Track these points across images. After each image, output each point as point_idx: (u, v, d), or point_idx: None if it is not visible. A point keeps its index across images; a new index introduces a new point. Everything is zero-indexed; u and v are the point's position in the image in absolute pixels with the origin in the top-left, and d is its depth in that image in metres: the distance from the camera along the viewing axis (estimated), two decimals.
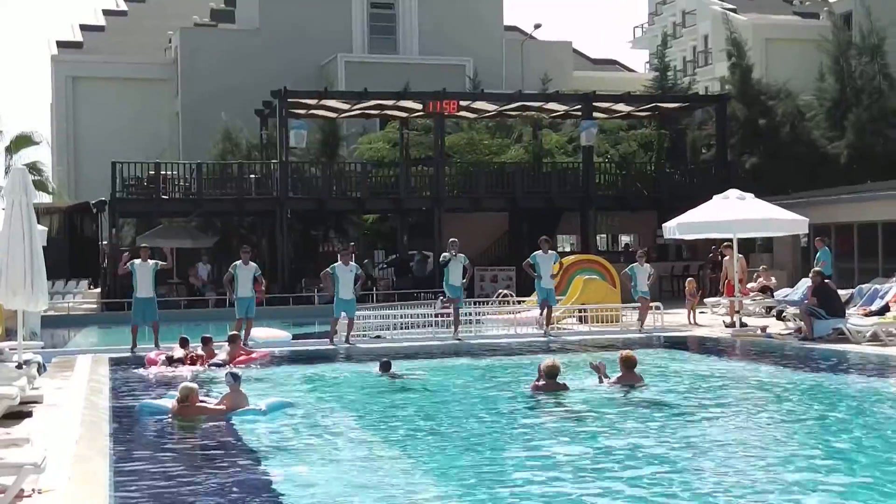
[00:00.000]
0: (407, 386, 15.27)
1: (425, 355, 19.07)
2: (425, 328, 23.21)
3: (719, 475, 9.05)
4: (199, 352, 17.73)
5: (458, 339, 20.94)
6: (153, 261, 20.43)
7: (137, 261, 20.13)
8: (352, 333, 20.58)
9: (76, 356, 18.29)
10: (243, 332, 20.01)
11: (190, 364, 17.38)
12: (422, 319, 23.66)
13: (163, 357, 17.72)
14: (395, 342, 20.97)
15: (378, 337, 21.81)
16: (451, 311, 21.80)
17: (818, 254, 23.91)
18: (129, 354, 19.09)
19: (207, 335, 18.29)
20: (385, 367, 16.11)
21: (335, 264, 20.64)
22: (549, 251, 22.11)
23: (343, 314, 20.42)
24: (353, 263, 20.88)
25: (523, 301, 26.64)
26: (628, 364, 14.02)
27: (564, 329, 22.59)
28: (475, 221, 38.61)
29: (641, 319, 22.30)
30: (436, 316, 23.50)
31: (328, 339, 20.48)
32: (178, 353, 17.76)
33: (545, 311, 21.85)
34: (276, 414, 12.36)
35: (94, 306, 32.83)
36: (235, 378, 12.73)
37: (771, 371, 16.38)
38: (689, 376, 15.94)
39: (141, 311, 19.99)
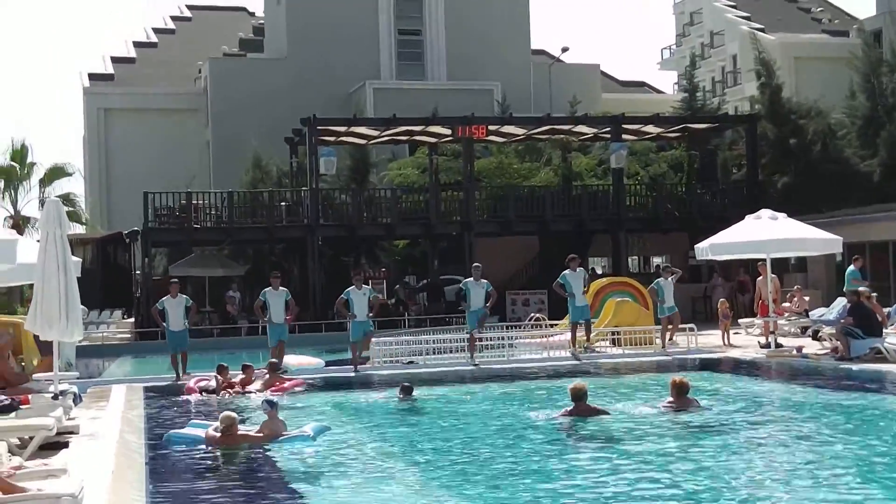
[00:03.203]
0: (438, 411, 15.23)
1: (455, 380, 19.00)
2: (457, 353, 23.14)
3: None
4: (237, 379, 17.83)
5: (475, 365, 20.69)
6: (184, 296, 20.62)
7: (166, 298, 20.31)
8: (383, 360, 20.51)
9: (111, 386, 18.37)
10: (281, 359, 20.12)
11: (226, 390, 17.44)
12: (454, 344, 23.59)
13: (203, 384, 17.82)
14: (428, 367, 20.93)
15: (411, 362, 21.77)
16: (478, 335, 21.60)
17: (847, 272, 23.86)
18: (165, 384, 19.19)
19: (247, 363, 18.45)
20: (407, 392, 16.14)
21: (349, 289, 20.75)
22: (578, 269, 22.00)
23: (362, 338, 20.42)
24: (366, 287, 21.09)
25: (556, 324, 26.52)
26: (681, 390, 13.72)
27: (598, 352, 22.44)
28: (506, 245, 38.55)
29: (672, 333, 22.16)
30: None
31: (352, 367, 20.40)
32: (213, 382, 17.82)
33: (582, 328, 21.72)
34: (319, 439, 12.35)
35: (128, 336, 33.03)
36: (272, 405, 12.75)
37: (813, 392, 16.19)
38: (732, 398, 15.75)
39: (174, 342, 20.13)
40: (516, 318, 30.71)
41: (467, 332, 21.93)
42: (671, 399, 13.76)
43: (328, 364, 22.48)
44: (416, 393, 16.36)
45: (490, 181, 39.30)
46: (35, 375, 16.13)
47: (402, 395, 16.15)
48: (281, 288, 20.96)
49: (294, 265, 37.79)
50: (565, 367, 20.49)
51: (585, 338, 21.82)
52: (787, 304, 25.96)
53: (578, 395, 13.28)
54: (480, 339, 22.04)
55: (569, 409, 13.35)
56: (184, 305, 20.26)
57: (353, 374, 20.12)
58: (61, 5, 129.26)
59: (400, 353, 22.68)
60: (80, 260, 20.24)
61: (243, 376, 17.91)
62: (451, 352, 23.24)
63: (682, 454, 11.02)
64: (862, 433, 12.34)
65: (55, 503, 7.61)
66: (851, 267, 24.08)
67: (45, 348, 16.01)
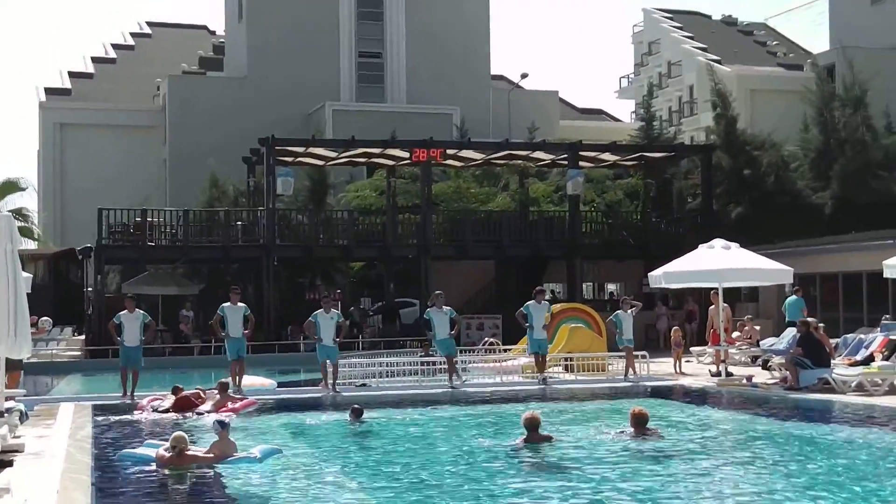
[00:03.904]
0: (390, 435, 15.19)
1: (409, 403, 18.97)
2: (411, 376, 23.13)
3: None
4: (192, 394, 17.73)
5: (452, 388, 20.76)
6: (141, 311, 20.47)
7: (123, 313, 20.14)
8: (337, 381, 20.51)
9: (59, 404, 18.13)
10: (237, 377, 20.04)
11: (179, 410, 17.31)
12: (408, 367, 23.58)
13: (156, 404, 17.69)
14: (381, 390, 20.88)
15: (364, 385, 21.73)
16: (434, 357, 21.65)
17: (786, 301, 24.25)
18: (115, 402, 18.97)
19: (224, 380, 18.53)
20: (357, 414, 16.09)
21: (317, 312, 20.73)
22: (543, 301, 22.13)
23: (327, 361, 20.40)
24: (334, 311, 21.03)
25: (509, 349, 26.57)
26: (640, 420, 13.67)
27: (551, 378, 22.49)
28: (462, 269, 38.63)
29: (629, 367, 22.27)
30: (422, 364, 23.43)
31: (322, 385, 20.42)
32: (167, 401, 17.69)
33: (537, 360, 21.80)
34: (267, 461, 12.28)
35: (79, 353, 32.63)
36: (223, 426, 12.65)
37: (762, 420, 16.32)
38: (682, 426, 15.83)
39: (126, 358, 19.95)
40: (470, 343, 30.69)
41: (427, 353, 21.89)
42: (631, 428, 13.78)
43: (280, 385, 22.34)
44: (366, 416, 16.29)
45: (447, 205, 39.40)
46: None
47: (352, 418, 16.10)
48: (240, 304, 20.89)
49: (249, 285, 37.58)
50: (521, 391, 20.52)
51: (538, 371, 21.82)
52: (737, 334, 26.20)
53: (531, 426, 13.21)
54: (433, 363, 21.98)
55: (522, 438, 13.29)
56: (140, 321, 20.10)
57: (308, 395, 20.12)
58: (19, 18, 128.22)
59: (353, 376, 22.60)
60: (32, 276, 20.07)
61: (221, 394, 17.79)
62: (404, 374, 23.23)
63: (629, 481, 11.06)
64: (808, 461, 12.46)
65: None
66: (793, 297, 24.45)
67: (14, 364, 15.82)
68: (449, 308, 21.42)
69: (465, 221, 37.05)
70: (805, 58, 56.10)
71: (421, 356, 24.41)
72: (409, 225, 37.41)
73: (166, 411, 17.35)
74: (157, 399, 18.07)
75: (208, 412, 17.08)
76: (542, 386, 20.97)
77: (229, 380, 19.25)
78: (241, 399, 18.26)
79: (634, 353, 22.54)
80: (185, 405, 17.53)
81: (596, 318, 26.57)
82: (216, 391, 18.05)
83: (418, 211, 36.90)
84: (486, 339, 29.34)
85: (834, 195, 36.88)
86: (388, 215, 37.30)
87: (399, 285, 39.90)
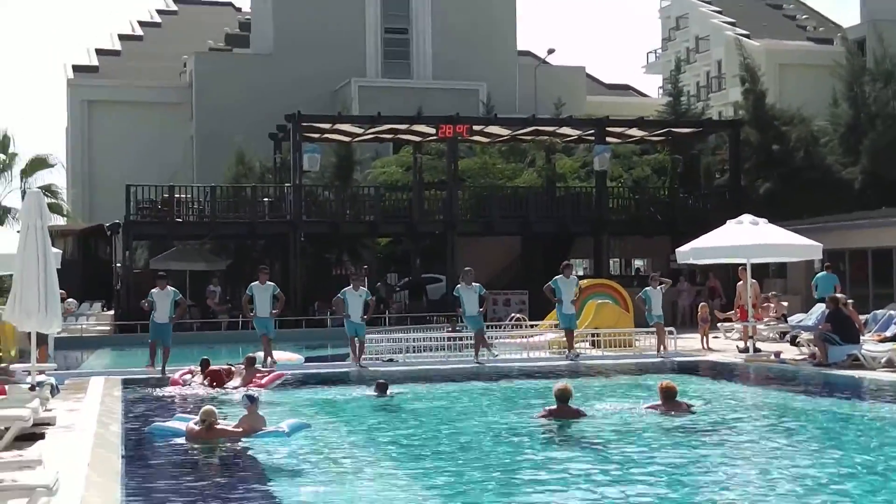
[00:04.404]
0: (418, 410, 15.23)
1: (438, 378, 19.04)
2: (438, 352, 23.18)
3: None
4: (223, 370, 17.84)
5: (478, 363, 20.85)
6: (172, 289, 20.57)
7: (156, 290, 20.28)
8: (363, 357, 20.61)
9: (89, 378, 18.28)
10: (267, 352, 20.21)
11: (211, 384, 17.43)
12: (435, 343, 23.64)
13: (187, 377, 17.82)
14: (408, 365, 20.97)
15: (391, 360, 21.82)
16: (462, 332, 21.76)
17: (815, 277, 24.08)
18: (144, 376, 19.13)
19: (252, 355, 18.57)
20: (382, 389, 16.16)
21: (345, 289, 20.82)
22: (571, 276, 22.14)
23: (355, 337, 20.51)
24: (363, 289, 21.03)
25: (536, 325, 26.57)
26: (668, 394, 13.62)
27: (581, 359, 22.41)
28: (488, 245, 38.60)
29: (660, 343, 22.24)
30: (448, 340, 23.49)
31: (352, 359, 20.57)
32: (198, 376, 17.80)
33: (568, 336, 21.81)
34: (296, 436, 12.33)
35: (108, 328, 32.90)
36: (252, 400, 12.70)
37: (790, 397, 16.24)
38: (710, 401, 15.74)
39: (157, 332, 20.10)
40: (497, 319, 30.73)
41: (453, 329, 21.94)
42: (659, 402, 13.76)
43: (307, 360, 22.46)
44: (391, 390, 16.33)
45: (473, 181, 39.33)
46: (21, 367, 16.03)
47: (377, 392, 16.16)
48: (268, 282, 20.97)
49: (276, 261, 37.69)
50: (546, 367, 20.52)
51: (567, 346, 21.84)
52: (771, 306, 26.14)
53: (563, 397, 13.18)
54: (461, 339, 22.07)
55: (551, 408, 13.30)
56: (172, 298, 20.25)
57: (335, 371, 20.27)
58: None
59: (380, 351, 22.72)
60: (61, 252, 20.19)
61: (249, 369, 17.89)
62: (431, 350, 23.29)
63: (663, 457, 11.01)
64: (838, 439, 12.38)
65: (29, 494, 7.57)
66: (823, 273, 24.25)
67: (41, 339, 15.96)
68: (478, 285, 21.47)
69: (492, 197, 36.98)
70: (835, 32, 55.49)
71: (448, 331, 24.45)
72: (435, 201, 37.40)
73: (200, 384, 17.46)
74: (188, 373, 18.19)
75: (236, 388, 17.17)
76: (572, 361, 20.98)
77: (257, 354, 19.33)
78: (270, 372, 18.35)
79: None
80: (215, 379, 17.63)
81: (623, 294, 26.50)
82: (243, 366, 18.13)
83: (444, 187, 36.84)
84: (513, 314, 29.36)
85: (864, 170, 36.56)
86: (415, 191, 37.29)
87: (425, 261, 39.94)
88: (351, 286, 20.78)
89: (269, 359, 20.18)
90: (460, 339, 23.26)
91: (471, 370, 20.21)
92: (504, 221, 36.62)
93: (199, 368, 18.12)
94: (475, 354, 21.22)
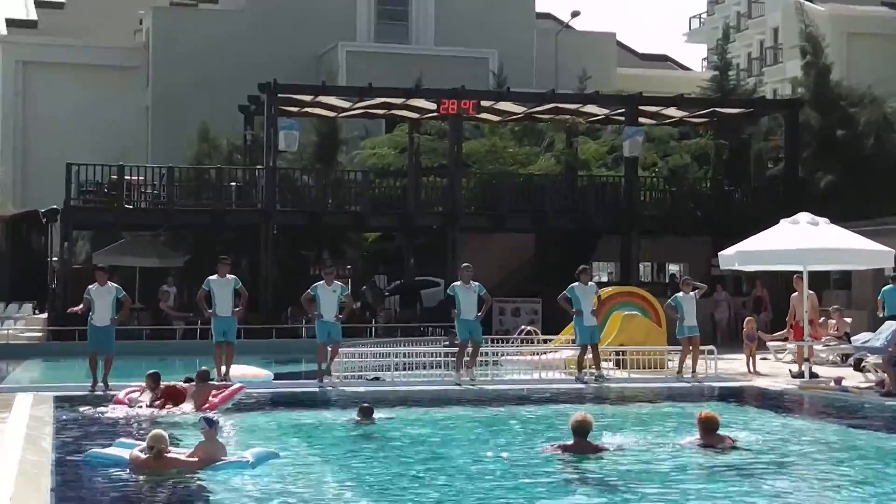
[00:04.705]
0: (402, 439, 15.19)
1: (432, 402, 19.04)
2: (433, 369, 23.16)
3: None
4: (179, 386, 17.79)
5: (472, 383, 20.89)
6: (114, 285, 20.53)
7: (93, 286, 20.22)
8: (346, 374, 20.68)
9: (15, 394, 18.24)
10: (223, 364, 20.24)
11: (164, 405, 17.34)
12: (429, 359, 23.59)
13: (134, 396, 17.76)
14: (397, 385, 20.97)
15: (377, 379, 21.81)
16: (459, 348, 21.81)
17: (882, 290, 23.98)
18: (82, 393, 19.08)
19: (204, 369, 18.48)
20: (366, 414, 16.16)
21: (317, 284, 21.20)
22: (590, 283, 22.14)
23: (327, 341, 20.76)
24: (337, 283, 21.43)
25: (550, 339, 26.54)
26: (708, 426, 13.57)
27: (607, 381, 22.36)
28: (495, 244, 38.54)
29: (693, 361, 22.20)
30: (445, 356, 23.43)
31: (318, 376, 20.66)
32: (146, 394, 17.72)
33: (586, 352, 21.76)
34: (262, 467, 12.30)
35: (40, 334, 32.81)
36: (210, 424, 12.63)
37: (853, 433, 16.15)
38: (756, 435, 15.71)
39: (96, 340, 20.05)
40: (504, 331, 30.66)
41: (452, 343, 22.00)
42: (697, 436, 13.69)
43: (278, 377, 22.43)
44: (377, 415, 16.32)
45: (480, 167, 39.29)
46: None
47: (360, 418, 16.16)
48: (229, 276, 20.97)
49: (243, 257, 37.67)
50: (561, 391, 20.47)
51: (594, 365, 21.79)
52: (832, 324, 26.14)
53: (582, 430, 13.05)
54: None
55: (566, 443, 13.20)
56: (113, 296, 20.25)
57: (309, 390, 20.36)
58: None
59: (364, 367, 22.67)
60: None
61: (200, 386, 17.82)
62: (425, 367, 23.26)
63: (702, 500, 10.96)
64: None
65: None
66: (892, 285, 24.13)
67: None
68: (478, 284, 21.58)
69: (501, 186, 36.90)
70: None
71: (445, 345, 24.46)
72: (434, 190, 37.35)
73: (151, 405, 17.39)
74: (135, 391, 18.12)
75: (185, 413, 17.05)
76: (593, 384, 20.96)
77: (208, 368, 19.21)
78: (227, 386, 18.26)
79: (701, 347, 22.42)
80: (172, 398, 17.54)
81: (654, 305, 26.43)
82: (195, 384, 17.99)
83: (446, 173, 36.78)
84: (523, 326, 29.24)
85: None
86: (410, 178, 37.21)
87: (421, 261, 39.83)
88: (323, 281, 21.05)
89: (223, 369, 20.15)
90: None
91: (471, 393, 20.19)
92: (515, 216, 36.55)
93: (151, 385, 18.02)
94: (467, 369, 21.29)
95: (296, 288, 35.74)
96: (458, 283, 21.75)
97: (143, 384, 18.12)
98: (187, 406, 17.46)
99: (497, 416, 17.64)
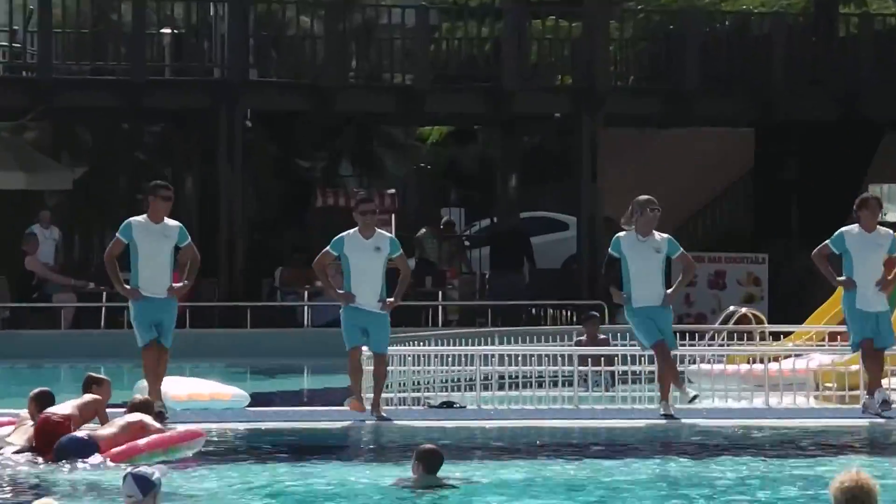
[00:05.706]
0: None
1: (555, 447, 19.19)
2: (554, 388, 23.47)
3: None
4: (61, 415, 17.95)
5: (665, 414, 21.29)
6: None
7: None
8: (384, 394, 20.88)
9: None
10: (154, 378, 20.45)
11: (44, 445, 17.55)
12: (548, 368, 23.62)
13: (5, 430, 18.19)
14: (487, 417, 21.45)
15: (448, 404, 22.25)
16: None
17: None
18: None
19: (142, 398, 18.92)
20: (429, 465, 16.13)
21: (343, 235, 21.20)
22: (877, 229, 21.97)
23: (365, 346, 21.04)
24: (383, 233, 21.63)
25: (787, 333, 26.63)
26: None
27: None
28: (668, 148, 38.80)
29: None
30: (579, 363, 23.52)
31: (351, 401, 20.90)
32: (22, 429, 17.95)
33: (870, 360, 21.81)
34: None
35: None
36: (147, 489, 12.61)
37: None
38: None
39: None
40: (698, 315, 30.81)
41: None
42: None
43: (256, 400, 22.84)
44: (445, 471, 16.31)
45: (646, 1, 39.44)
46: None
47: (417, 472, 16.14)
48: (168, 221, 21.07)
49: (187, 174, 37.96)
50: (807, 428, 20.61)
51: (872, 381, 21.74)
52: None
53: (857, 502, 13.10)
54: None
55: None
56: None
57: (320, 425, 20.75)
58: None
59: (426, 385, 23.08)
60: None
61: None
62: (537, 385, 23.38)
63: None
64: None
65: None
66: None
67: None
68: (667, 237, 21.76)
69: (684, 37, 36.94)
70: None
71: (580, 341, 24.56)
72: (555, 44, 37.65)
73: (22, 450, 17.58)
74: (8, 423, 18.46)
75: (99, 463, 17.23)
76: (875, 418, 21.19)
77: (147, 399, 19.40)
78: (165, 430, 18.40)
79: None
80: (53, 432, 17.68)
81: None
82: (125, 411, 18.21)
83: (579, 13, 37.01)
84: (732, 308, 29.34)
85: None
86: (510, 20, 37.22)
87: (528, 182, 40.00)
88: (358, 227, 21.07)
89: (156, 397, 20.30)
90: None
91: (635, 431, 20.51)
92: (713, 95, 36.88)
93: (26, 414, 18.30)
94: (662, 397, 21.53)
95: (287, 233, 36.19)
96: (627, 233, 21.70)
97: (21, 414, 18.33)
98: (95, 459, 17.60)
99: (678, 476, 17.58)
